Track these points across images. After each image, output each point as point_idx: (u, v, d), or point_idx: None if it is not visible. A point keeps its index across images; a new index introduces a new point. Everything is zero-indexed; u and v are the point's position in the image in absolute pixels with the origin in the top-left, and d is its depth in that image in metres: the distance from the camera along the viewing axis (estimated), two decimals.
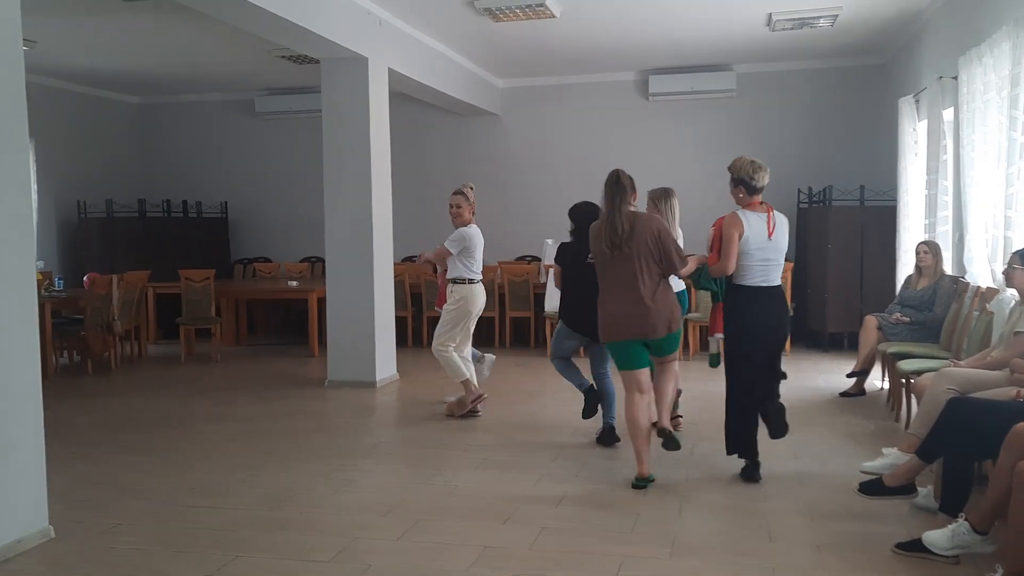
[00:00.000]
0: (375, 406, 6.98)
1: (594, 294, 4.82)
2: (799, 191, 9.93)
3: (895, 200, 8.47)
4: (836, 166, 10.09)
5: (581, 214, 5.48)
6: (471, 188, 6.51)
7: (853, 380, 6.85)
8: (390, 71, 7.93)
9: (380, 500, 4.47)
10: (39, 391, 3.91)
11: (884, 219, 8.70)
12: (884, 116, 9.64)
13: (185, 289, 9.07)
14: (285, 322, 11.32)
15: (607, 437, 5.52)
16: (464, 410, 6.34)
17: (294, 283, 9.87)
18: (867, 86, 10.07)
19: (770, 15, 8.01)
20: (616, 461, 5.13)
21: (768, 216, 4.65)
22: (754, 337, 4.62)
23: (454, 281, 6.38)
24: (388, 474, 5.04)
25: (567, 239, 5.68)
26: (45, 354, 8.13)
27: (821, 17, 8.04)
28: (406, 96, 9.71)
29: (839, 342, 9.21)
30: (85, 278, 8.74)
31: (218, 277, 9.68)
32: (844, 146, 10.22)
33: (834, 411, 6.37)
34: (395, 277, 8.45)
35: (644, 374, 4.70)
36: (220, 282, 9.74)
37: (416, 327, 10.04)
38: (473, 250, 6.35)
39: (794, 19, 8.10)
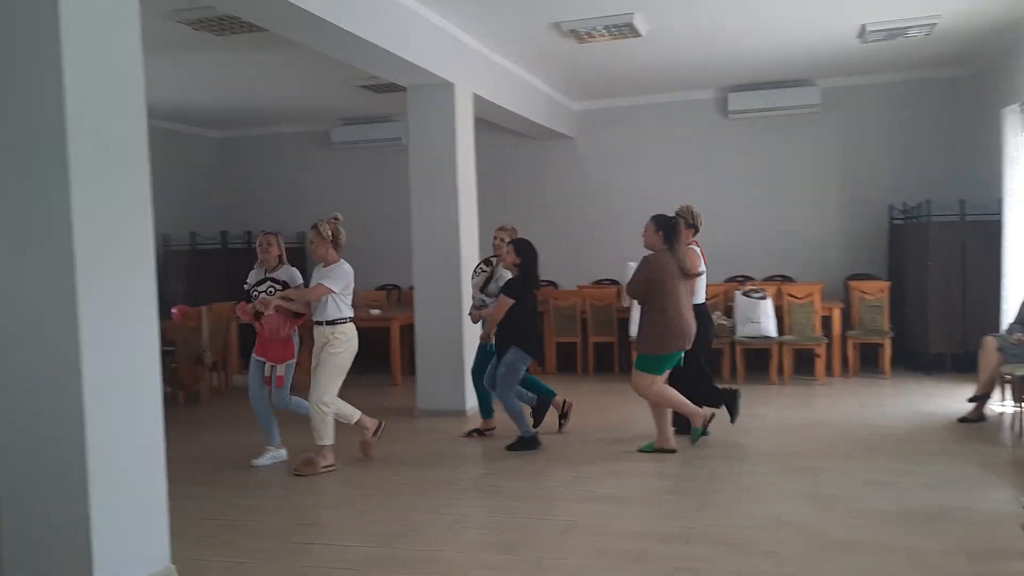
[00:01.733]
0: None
1: (536, 321, 6.24)
2: (891, 207, 9.59)
3: (999, 214, 8.10)
4: (930, 181, 9.70)
5: (530, 251, 6.18)
6: (336, 219, 5.87)
7: (972, 405, 6.50)
8: (474, 96, 7.88)
9: (498, 538, 4.31)
10: (161, 429, 3.86)
11: (987, 234, 8.32)
12: (982, 127, 9.26)
13: None
14: (363, 350, 11.25)
15: (534, 443, 6.15)
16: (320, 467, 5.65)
17: (376, 311, 9.83)
18: (960, 97, 9.69)
19: (863, 26, 7.75)
20: (737, 493, 4.91)
21: (700, 249, 6.28)
22: (704, 338, 6.19)
23: (334, 323, 5.71)
24: (499, 509, 4.88)
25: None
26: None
27: (916, 27, 7.76)
28: (482, 120, 9.66)
29: (941, 363, 8.81)
30: (174, 310, 8.80)
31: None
32: (939, 160, 9.83)
33: (957, 438, 6.02)
34: None
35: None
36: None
37: None
38: (352, 287, 5.84)
39: (888, 29, 7.83)
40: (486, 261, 6.70)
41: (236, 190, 12.44)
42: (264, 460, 5.96)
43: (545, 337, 9.61)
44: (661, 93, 10.63)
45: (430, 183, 7.52)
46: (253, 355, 5.98)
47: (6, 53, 3.42)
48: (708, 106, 10.64)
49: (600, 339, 9.51)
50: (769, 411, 7.24)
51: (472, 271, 6.86)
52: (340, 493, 5.21)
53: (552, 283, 11.14)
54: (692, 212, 6.38)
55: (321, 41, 6.06)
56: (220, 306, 9.06)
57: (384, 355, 9.60)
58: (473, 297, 6.66)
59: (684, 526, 4.36)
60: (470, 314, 6.70)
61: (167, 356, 8.41)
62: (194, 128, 11.92)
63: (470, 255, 7.71)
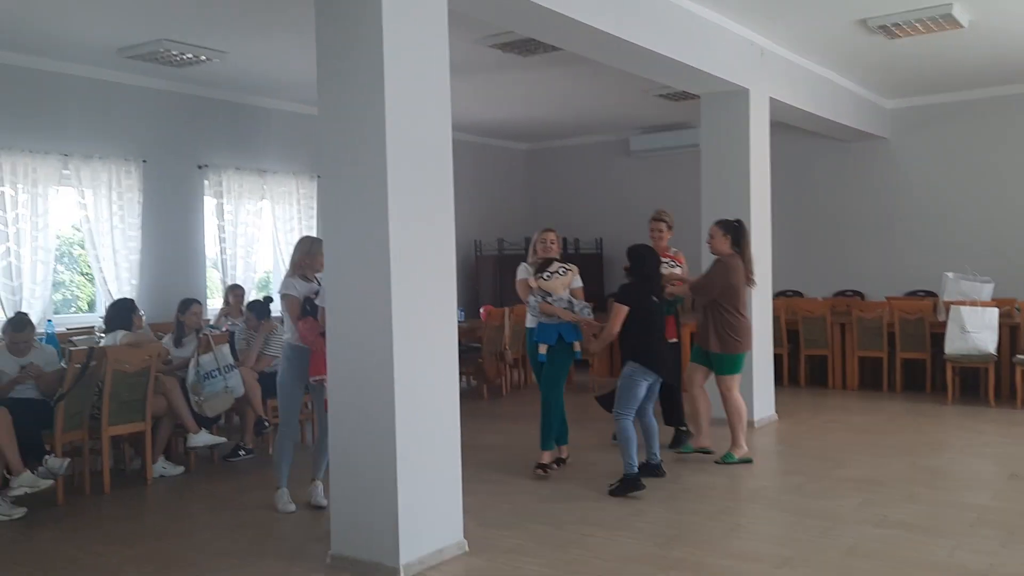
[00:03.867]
0: (755, 446, 6.71)
1: (660, 333, 5.54)
2: None
3: None
4: None
5: (639, 255, 5.58)
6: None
7: None
8: (771, 100, 7.71)
9: (772, 551, 4.26)
10: (457, 416, 4.31)
11: None
12: None
13: None
14: None
15: (656, 471, 5.58)
16: None
17: None
18: None
19: None
20: None
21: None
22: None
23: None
24: (777, 522, 4.80)
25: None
26: None
27: None
28: (784, 125, 9.38)
29: None
30: (481, 310, 9.59)
31: (594, 310, 10.05)
32: None
33: None
34: (772, 312, 8.15)
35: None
36: (596, 315, 10.09)
37: (792, 365, 9.54)
38: None
39: None
40: (563, 261, 5.99)
41: (540, 198, 13.19)
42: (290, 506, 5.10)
43: (800, 348, 9.12)
44: (992, 86, 9.61)
45: (722, 192, 7.49)
46: (308, 379, 5.03)
47: (341, 83, 4.06)
48: None
49: (910, 355, 8.81)
50: None
51: (548, 270, 5.87)
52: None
53: (859, 293, 10.52)
54: (670, 215, 6.75)
55: (613, 56, 6.33)
56: (522, 307, 9.67)
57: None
58: (561, 300, 5.82)
59: (983, 563, 4.00)
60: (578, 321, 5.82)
61: (475, 352, 9.20)
62: (505, 142, 12.83)
63: (762, 264, 7.55)
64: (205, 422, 6.07)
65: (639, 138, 11.95)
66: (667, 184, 11.87)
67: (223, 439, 6.22)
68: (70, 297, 8.98)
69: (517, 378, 9.88)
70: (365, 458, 4.03)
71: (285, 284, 5.11)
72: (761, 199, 7.57)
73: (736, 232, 5.98)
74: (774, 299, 9.09)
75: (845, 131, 9.75)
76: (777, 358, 8.96)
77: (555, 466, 5.91)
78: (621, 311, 5.42)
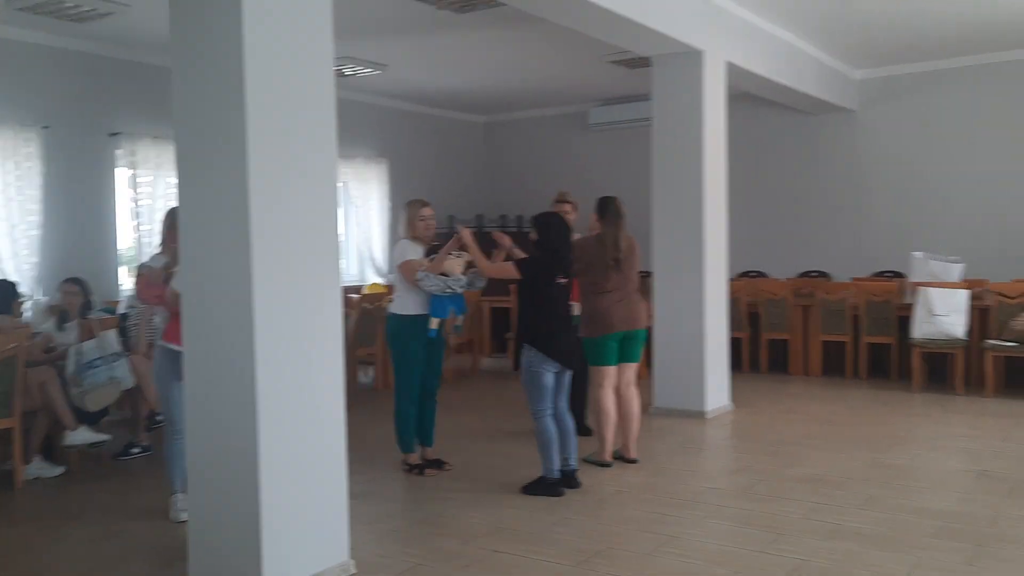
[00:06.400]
0: (704, 442, 6.19)
1: (564, 318, 4.84)
2: None
3: None
4: None
5: (549, 226, 4.83)
6: None
7: None
8: (728, 65, 7.12)
9: (705, 569, 3.70)
10: (341, 414, 3.70)
11: None
12: None
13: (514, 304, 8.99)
14: None
15: (571, 482, 4.87)
16: None
17: None
18: None
19: None
20: (1021, 546, 3.87)
21: None
22: None
23: None
24: (716, 533, 4.24)
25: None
26: (386, 366, 8.45)
27: None
28: (744, 93, 8.80)
29: None
30: None
31: None
32: None
33: None
34: (731, 295, 7.60)
35: (614, 371, 5.32)
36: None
37: (753, 350, 9.02)
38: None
39: None
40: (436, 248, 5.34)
41: (496, 173, 12.54)
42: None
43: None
44: (967, 55, 9.07)
45: (673, 164, 6.92)
46: (169, 345, 4.36)
47: (194, 27, 3.41)
48: None
49: (875, 339, 8.30)
50: None
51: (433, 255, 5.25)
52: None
53: (824, 274, 10.00)
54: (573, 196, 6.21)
55: (552, 10, 5.73)
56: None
57: None
58: (460, 280, 5.20)
59: None
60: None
61: None
62: (461, 113, 12.13)
63: (716, 243, 6.99)
64: (89, 417, 5.42)
65: (598, 110, 11.32)
66: (627, 159, 11.24)
67: (106, 436, 5.54)
68: None
69: (467, 364, 9.28)
70: (223, 464, 3.41)
71: (150, 258, 4.51)
72: (716, 171, 6.99)
73: (600, 207, 5.40)
74: (735, 280, 8.60)
75: (809, 102, 9.19)
76: (737, 343, 8.46)
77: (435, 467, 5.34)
78: (507, 268, 4.85)
